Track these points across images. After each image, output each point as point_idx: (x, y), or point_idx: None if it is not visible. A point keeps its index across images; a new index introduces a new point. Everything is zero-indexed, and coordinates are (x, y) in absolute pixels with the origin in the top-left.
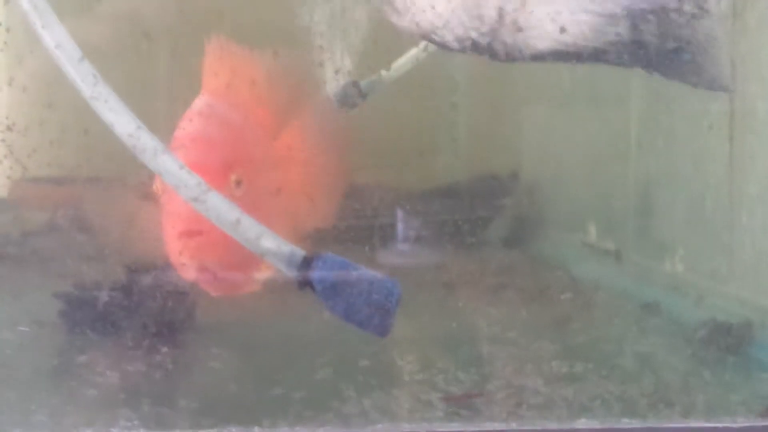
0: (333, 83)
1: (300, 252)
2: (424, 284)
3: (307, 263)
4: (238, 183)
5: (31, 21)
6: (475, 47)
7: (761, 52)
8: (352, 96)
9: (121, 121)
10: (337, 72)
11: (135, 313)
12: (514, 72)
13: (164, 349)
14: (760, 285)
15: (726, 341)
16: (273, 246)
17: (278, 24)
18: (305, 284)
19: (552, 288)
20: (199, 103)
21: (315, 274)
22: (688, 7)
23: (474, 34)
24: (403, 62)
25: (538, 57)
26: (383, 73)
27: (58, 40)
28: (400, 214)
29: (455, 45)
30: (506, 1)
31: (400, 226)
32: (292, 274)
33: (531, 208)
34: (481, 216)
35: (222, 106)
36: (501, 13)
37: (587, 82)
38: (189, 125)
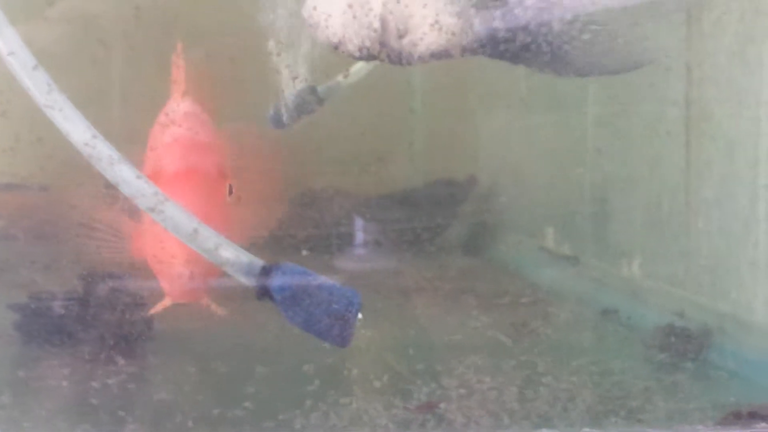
0: (289, 89)
1: (258, 262)
2: (381, 290)
3: (266, 273)
4: (230, 189)
5: None
6: (371, 55)
7: (716, 57)
8: (310, 102)
9: (77, 129)
10: (294, 78)
11: (91, 323)
12: (472, 77)
13: (121, 360)
14: (717, 290)
15: (684, 347)
16: (231, 256)
17: (234, 29)
18: (264, 294)
19: (509, 294)
20: (181, 106)
21: (274, 283)
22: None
23: (368, 43)
24: (359, 67)
25: (425, 58)
26: (340, 78)
27: (11, 48)
28: (357, 220)
29: (357, 54)
30: (387, 10)
31: (357, 232)
32: (250, 283)
33: (489, 213)
34: (438, 221)
35: (200, 111)
36: (384, 22)
37: (544, 87)
38: (179, 129)
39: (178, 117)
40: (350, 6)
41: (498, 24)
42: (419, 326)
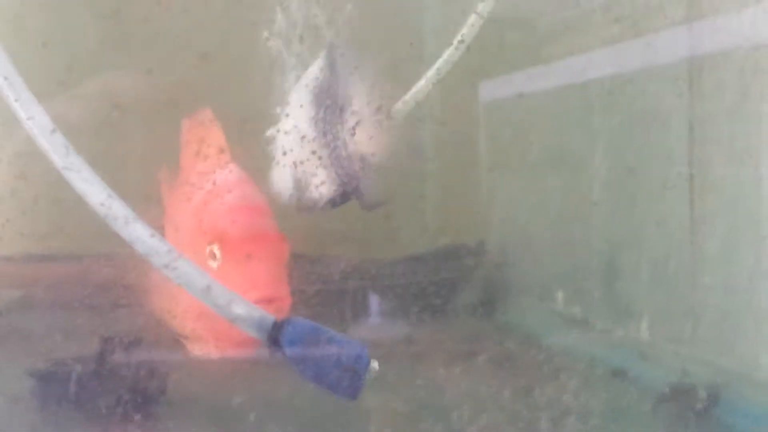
0: None
1: (270, 317)
2: (391, 355)
3: (277, 328)
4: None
5: (4, 94)
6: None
7: (717, 117)
8: None
9: (93, 190)
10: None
11: (107, 388)
12: (481, 139)
13: (136, 425)
14: (724, 346)
15: (693, 404)
16: (243, 312)
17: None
18: (276, 348)
19: (520, 356)
20: (231, 171)
21: (285, 338)
22: None
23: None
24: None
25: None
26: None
27: (30, 113)
28: (366, 284)
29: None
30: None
31: (367, 296)
32: (262, 338)
33: (498, 277)
34: (448, 285)
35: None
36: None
37: (553, 150)
38: (235, 193)
39: (231, 183)
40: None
41: None
42: (429, 389)
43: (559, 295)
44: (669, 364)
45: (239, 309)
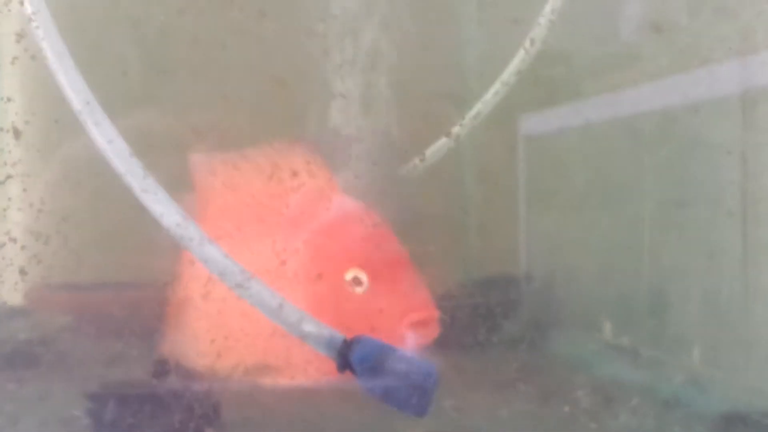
0: None
1: (339, 336)
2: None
3: (347, 346)
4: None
5: (82, 119)
6: None
7: None
8: None
9: (169, 212)
10: None
11: (161, 411)
12: (523, 172)
13: None
14: None
15: None
16: (314, 330)
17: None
18: (345, 367)
19: (568, 385)
20: (347, 199)
21: (355, 356)
22: None
23: None
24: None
25: None
26: (417, 161)
27: (109, 137)
28: None
29: None
30: None
31: None
32: (332, 357)
33: (545, 308)
34: (494, 316)
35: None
36: None
37: (600, 184)
38: (368, 220)
39: (358, 211)
40: None
41: None
42: (479, 415)
43: (608, 326)
44: (721, 393)
45: (309, 327)
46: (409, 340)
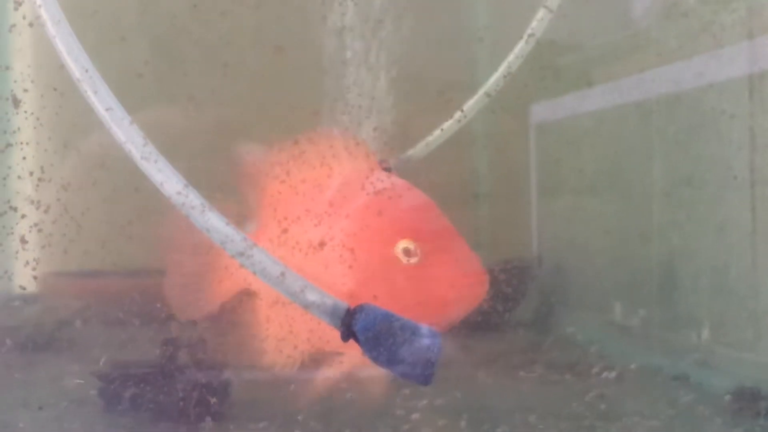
0: None
1: (343, 304)
2: (449, 364)
3: (350, 315)
4: None
5: (81, 86)
6: None
7: None
8: None
9: (170, 180)
10: None
11: (171, 390)
12: (533, 156)
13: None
14: None
15: (756, 407)
16: (317, 299)
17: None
18: (349, 335)
19: (579, 365)
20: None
21: (358, 325)
22: None
23: None
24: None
25: None
26: (410, 152)
27: (107, 104)
28: None
29: None
30: None
31: None
32: (336, 325)
33: (556, 291)
34: (506, 298)
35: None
36: None
37: (610, 166)
38: (414, 191)
39: (401, 184)
40: None
41: None
42: (493, 393)
43: (618, 307)
44: (730, 370)
45: (312, 296)
46: (460, 304)
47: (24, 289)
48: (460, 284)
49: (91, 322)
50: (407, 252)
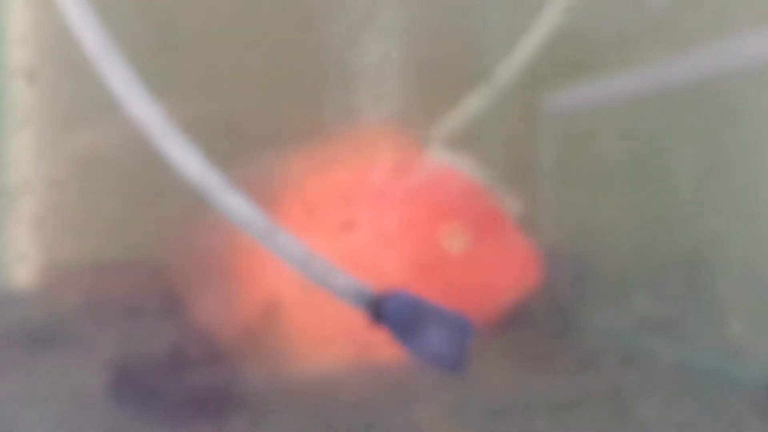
0: None
1: (368, 288)
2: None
3: (378, 301)
4: None
5: (98, 65)
6: None
7: None
8: None
9: (189, 158)
10: None
11: (180, 382)
12: (548, 149)
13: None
14: None
15: None
16: (343, 283)
17: None
18: (377, 321)
19: (600, 357)
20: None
21: (388, 311)
22: None
23: None
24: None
25: None
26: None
27: (125, 80)
28: None
29: None
30: None
31: None
32: (362, 310)
33: (577, 285)
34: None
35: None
36: None
37: (631, 157)
38: (462, 177)
39: (449, 169)
40: None
41: None
42: (509, 387)
43: (641, 300)
44: (763, 363)
45: (339, 280)
46: (512, 293)
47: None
48: (511, 271)
49: (99, 317)
50: (453, 237)
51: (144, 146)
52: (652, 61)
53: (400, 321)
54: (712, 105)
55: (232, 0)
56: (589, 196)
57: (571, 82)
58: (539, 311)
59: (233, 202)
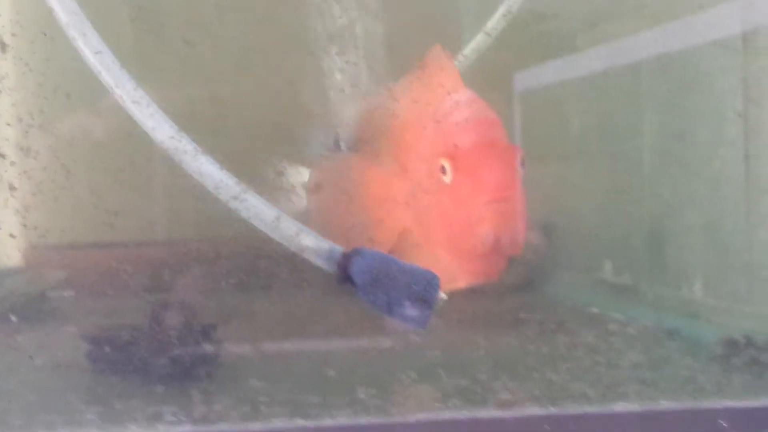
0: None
1: (338, 248)
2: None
3: (346, 259)
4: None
5: (69, 33)
6: None
7: None
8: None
9: (162, 125)
10: None
11: (159, 350)
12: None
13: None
14: None
15: (749, 356)
16: (312, 243)
17: None
18: (345, 279)
19: (570, 322)
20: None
21: (354, 269)
22: None
23: None
24: None
25: None
26: None
27: (97, 48)
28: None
29: None
30: None
31: None
32: (331, 269)
33: (545, 252)
34: None
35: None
36: None
37: (598, 128)
38: (463, 110)
39: (463, 103)
40: None
41: None
42: (482, 348)
43: (608, 265)
44: (724, 322)
45: (308, 240)
46: (484, 233)
47: (14, 237)
48: (484, 210)
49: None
50: (442, 170)
51: (119, 122)
52: (617, 36)
53: (367, 278)
54: (674, 77)
55: None
56: (557, 167)
57: (541, 57)
58: (510, 281)
59: (205, 167)
